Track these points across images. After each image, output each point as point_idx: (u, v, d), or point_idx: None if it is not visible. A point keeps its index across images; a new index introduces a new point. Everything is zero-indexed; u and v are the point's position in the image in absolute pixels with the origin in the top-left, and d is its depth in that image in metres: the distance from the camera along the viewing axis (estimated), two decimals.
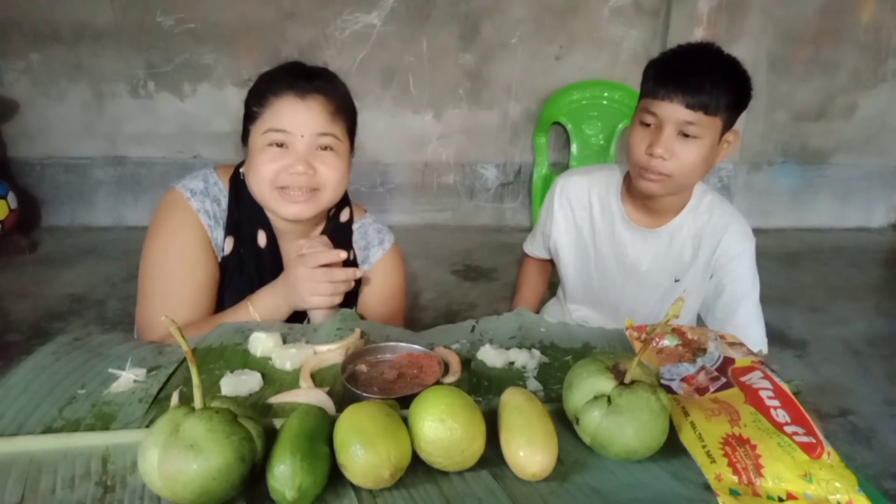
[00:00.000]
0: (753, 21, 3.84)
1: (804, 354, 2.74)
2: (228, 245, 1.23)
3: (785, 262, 3.80)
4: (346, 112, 1.22)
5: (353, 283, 1.19)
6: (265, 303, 1.17)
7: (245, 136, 1.23)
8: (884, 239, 4.41)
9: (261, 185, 1.18)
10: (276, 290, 1.17)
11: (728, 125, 1.29)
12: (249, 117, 1.20)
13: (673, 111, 1.24)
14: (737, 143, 1.34)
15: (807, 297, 3.33)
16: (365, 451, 0.68)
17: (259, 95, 1.18)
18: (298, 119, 1.15)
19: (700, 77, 1.22)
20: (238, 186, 1.26)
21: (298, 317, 1.21)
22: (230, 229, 1.24)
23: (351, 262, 1.34)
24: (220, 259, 1.24)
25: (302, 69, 1.22)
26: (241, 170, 1.27)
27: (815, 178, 4.43)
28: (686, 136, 1.26)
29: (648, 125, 1.29)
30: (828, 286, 3.52)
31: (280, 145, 1.16)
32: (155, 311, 1.17)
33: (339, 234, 1.33)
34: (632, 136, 1.33)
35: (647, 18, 3.99)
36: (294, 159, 1.15)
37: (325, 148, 1.18)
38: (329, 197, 1.22)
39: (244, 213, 1.25)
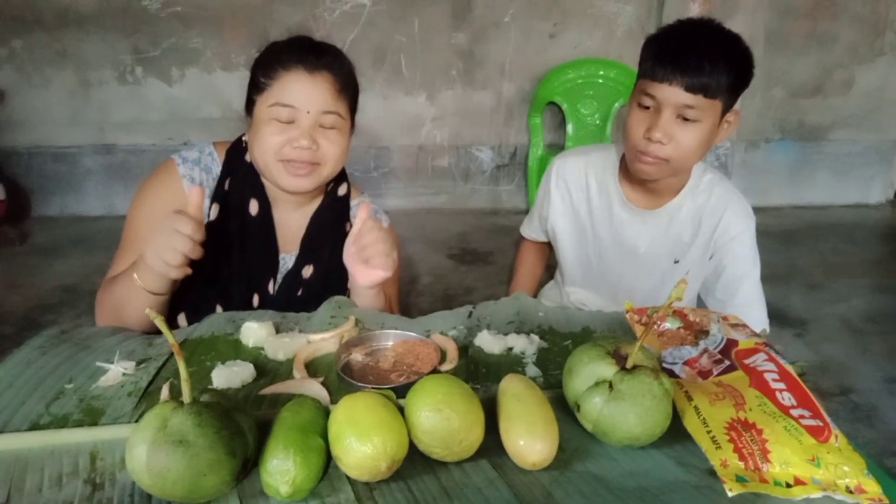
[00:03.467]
0: None
1: (804, 333, 2.73)
2: (214, 212, 1.23)
3: (783, 239, 3.79)
4: (350, 90, 1.23)
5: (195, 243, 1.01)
6: (140, 262, 1.06)
7: (249, 105, 1.22)
8: (882, 215, 4.39)
9: (264, 156, 1.18)
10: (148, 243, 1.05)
11: (728, 106, 1.25)
12: (256, 87, 1.20)
13: (672, 94, 1.20)
14: (737, 123, 1.31)
15: (805, 275, 3.32)
16: (361, 443, 0.67)
17: (267, 66, 1.18)
18: (306, 95, 1.16)
19: (700, 58, 1.17)
20: (235, 157, 1.27)
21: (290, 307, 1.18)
22: (217, 197, 1.24)
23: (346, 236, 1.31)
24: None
25: (311, 43, 1.22)
26: (243, 137, 1.28)
27: (812, 155, 4.41)
28: (685, 119, 1.22)
29: (646, 107, 1.25)
30: (826, 263, 3.50)
31: (286, 121, 1.16)
32: (116, 266, 1.20)
33: (336, 207, 1.34)
34: (629, 119, 1.29)
35: None
36: (299, 133, 1.16)
37: (329, 126, 1.19)
38: (329, 171, 1.23)
39: (238, 181, 1.25)
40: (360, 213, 1.13)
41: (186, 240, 0.98)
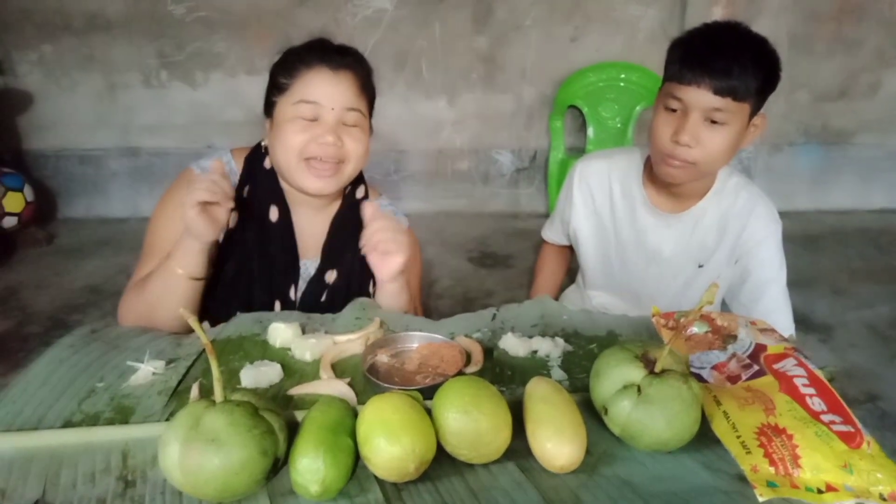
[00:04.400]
0: None
1: (829, 339, 2.69)
2: (233, 219, 1.24)
3: (807, 244, 3.74)
4: (369, 90, 1.25)
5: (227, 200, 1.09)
6: (177, 250, 1.11)
7: (269, 108, 1.23)
8: None
9: (288, 155, 1.18)
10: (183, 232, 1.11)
11: (756, 109, 1.24)
12: (277, 88, 1.21)
13: (700, 97, 1.19)
14: (764, 126, 1.30)
15: (830, 281, 3.27)
16: (389, 443, 0.67)
17: (289, 67, 1.19)
18: (330, 91, 1.17)
19: (728, 60, 1.17)
20: (253, 164, 1.28)
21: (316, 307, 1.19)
22: (236, 205, 1.23)
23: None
24: (222, 234, 1.23)
25: (332, 45, 1.24)
26: (262, 142, 1.28)
27: (837, 159, 4.34)
28: (713, 122, 1.21)
29: (674, 110, 1.24)
30: (851, 269, 3.45)
31: (310, 119, 1.17)
32: (139, 273, 1.21)
33: (355, 210, 1.32)
34: (655, 122, 1.29)
35: None
36: (323, 130, 1.17)
37: (352, 124, 1.20)
38: (352, 170, 1.23)
39: (257, 188, 1.26)
40: (366, 211, 1.15)
41: (213, 183, 1.05)
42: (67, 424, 0.80)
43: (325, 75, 1.17)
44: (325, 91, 1.17)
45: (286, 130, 1.17)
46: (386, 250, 1.13)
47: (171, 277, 1.11)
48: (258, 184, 1.26)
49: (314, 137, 1.16)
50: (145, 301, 1.13)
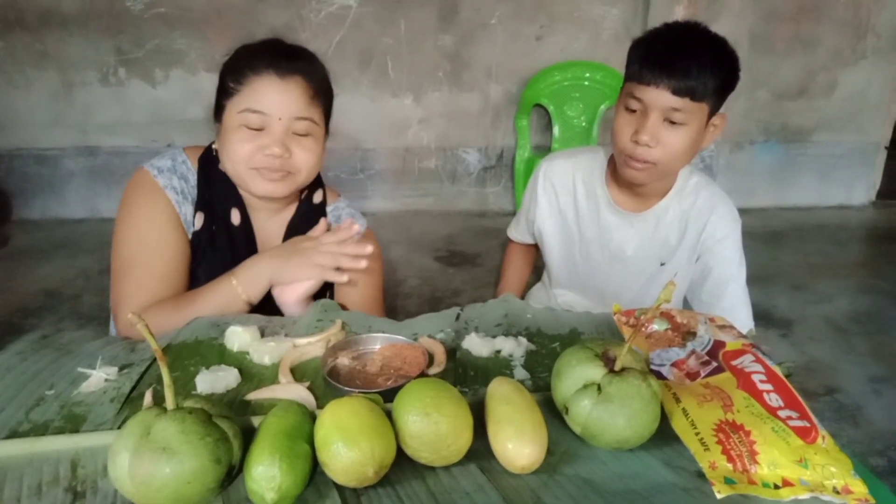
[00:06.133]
0: None
1: (789, 333, 2.75)
2: (199, 221, 1.21)
3: (768, 240, 3.82)
4: (323, 96, 1.19)
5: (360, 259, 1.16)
6: (249, 273, 1.13)
7: (218, 112, 1.19)
8: (864, 216, 4.44)
9: (235, 165, 1.15)
10: (263, 260, 1.14)
11: (715, 109, 1.26)
12: (225, 92, 1.16)
13: (659, 97, 1.20)
14: (723, 126, 1.31)
15: (790, 276, 3.35)
16: (348, 448, 0.66)
17: (237, 71, 1.15)
18: (277, 101, 1.12)
19: (687, 61, 1.18)
20: (208, 165, 1.23)
21: (267, 309, 1.18)
22: (200, 205, 1.22)
23: None
24: (190, 235, 1.22)
25: (283, 47, 1.18)
26: (213, 146, 1.24)
27: (796, 157, 4.45)
28: (672, 122, 1.22)
29: (633, 111, 1.25)
30: (810, 264, 3.54)
31: (257, 128, 1.13)
32: (127, 288, 1.15)
33: (311, 215, 1.30)
34: (616, 122, 1.29)
35: None
36: (270, 140, 1.13)
37: (302, 133, 1.16)
38: (303, 179, 1.20)
39: (215, 191, 1.22)
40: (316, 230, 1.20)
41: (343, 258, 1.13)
42: (13, 435, 0.77)
43: (272, 83, 1.12)
44: (272, 100, 1.12)
45: (233, 139, 1.14)
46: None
47: (229, 296, 1.12)
48: (216, 186, 1.23)
49: (260, 148, 1.13)
50: (185, 318, 1.07)
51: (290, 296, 1.15)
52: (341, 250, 1.12)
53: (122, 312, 1.13)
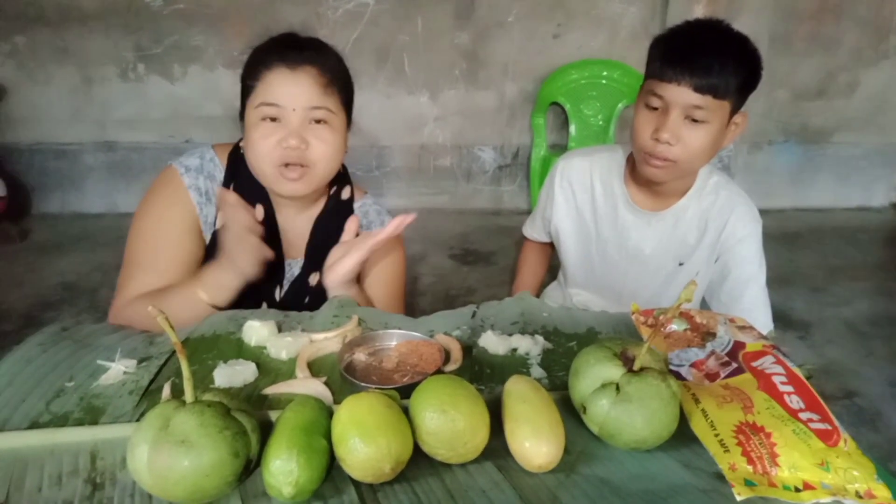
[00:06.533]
0: None
1: (807, 336, 2.72)
2: (220, 220, 1.21)
3: (786, 242, 3.78)
4: (339, 83, 1.19)
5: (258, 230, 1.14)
6: (209, 279, 1.12)
7: (242, 113, 1.21)
8: (884, 218, 4.38)
9: (259, 162, 1.16)
10: (220, 263, 1.13)
11: (737, 108, 1.24)
12: (244, 91, 1.18)
13: (680, 94, 1.19)
14: (745, 125, 1.30)
15: (808, 278, 3.31)
16: (365, 444, 0.66)
17: (252, 69, 1.17)
18: (289, 92, 1.13)
19: (709, 58, 1.17)
20: (236, 162, 1.25)
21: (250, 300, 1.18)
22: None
23: None
24: (209, 235, 1.23)
25: (292, 40, 1.19)
26: (240, 145, 1.25)
27: (815, 158, 4.39)
28: (693, 120, 1.21)
29: (654, 108, 1.24)
30: (829, 266, 3.49)
31: (273, 119, 1.14)
32: (125, 281, 1.17)
33: (339, 211, 1.31)
34: (636, 119, 1.28)
35: None
36: (287, 132, 1.13)
37: (318, 121, 1.16)
38: (322, 172, 1.19)
39: (242, 187, 1.23)
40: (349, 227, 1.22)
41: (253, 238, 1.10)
42: (34, 425, 0.78)
43: (283, 75, 1.13)
44: (284, 91, 1.13)
45: (254, 136, 1.15)
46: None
47: (192, 301, 1.09)
48: (243, 182, 1.23)
49: (279, 141, 1.13)
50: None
51: (334, 278, 1.17)
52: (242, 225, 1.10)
53: (116, 301, 1.17)
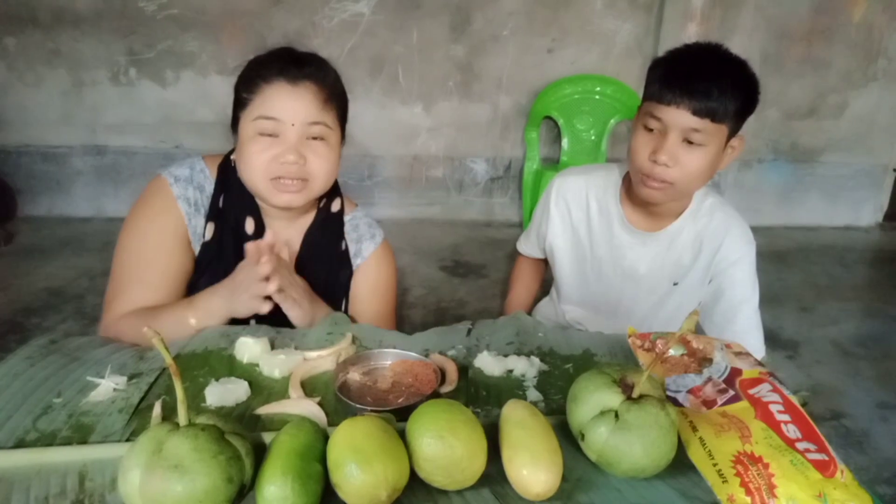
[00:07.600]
0: (746, 17, 3.82)
1: (795, 356, 2.73)
2: (209, 232, 1.20)
3: (774, 260, 3.81)
4: (337, 100, 1.19)
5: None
6: (202, 304, 1.11)
7: (235, 123, 1.19)
8: (871, 238, 4.43)
9: (252, 175, 1.15)
10: (218, 291, 1.12)
11: (734, 131, 1.25)
12: (239, 103, 1.17)
13: (679, 117, 1.20)
14: (741, 148, 1.31)
15: (796, 297, 3.33)
16: (361, 470, 0.64)
17: (249, 81, 1.15)
18: (289, 107, 1.12)
19: (708, 82, 1.17)
20: (226, 174, 1.23)
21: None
22: (212, 216, 1.21)
23: (344, 253, 1.32)
24: (198, 246, 1.21)
25: (292, 55, 1.18)
26: (231, 157, 1.24)
27: (804, 177, 4.44)
28: (691, 143, 1.21)
29: (652, 130, 1.25)
30: (817, 285, 3.52)
31: (271, 134, 1.13)
32: (115, 294, 1.16)
33: (329, 224, 1.30)
34: (634, 141, 1.29)
35: (641, 12, 3.95)
36: (285, 148, 1.12)
37: (316, 138, 1.15)
38: (319, 186, 1.19)
39: (232, 200, 1.22)
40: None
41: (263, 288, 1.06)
42: (20, 444, 0.76)
43: (283, 90, 1.12)
44: (284, 106, 1.12)
45: (249, 150, 1.13)
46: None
47: (182, 325, 1.08)
48: (233, 194, 1.22)
49: (276, 156, 1.12)
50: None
51: (296, 315, 1.15)
52: (255, 278, 1.07)
53: (107, 315, 1.15)
